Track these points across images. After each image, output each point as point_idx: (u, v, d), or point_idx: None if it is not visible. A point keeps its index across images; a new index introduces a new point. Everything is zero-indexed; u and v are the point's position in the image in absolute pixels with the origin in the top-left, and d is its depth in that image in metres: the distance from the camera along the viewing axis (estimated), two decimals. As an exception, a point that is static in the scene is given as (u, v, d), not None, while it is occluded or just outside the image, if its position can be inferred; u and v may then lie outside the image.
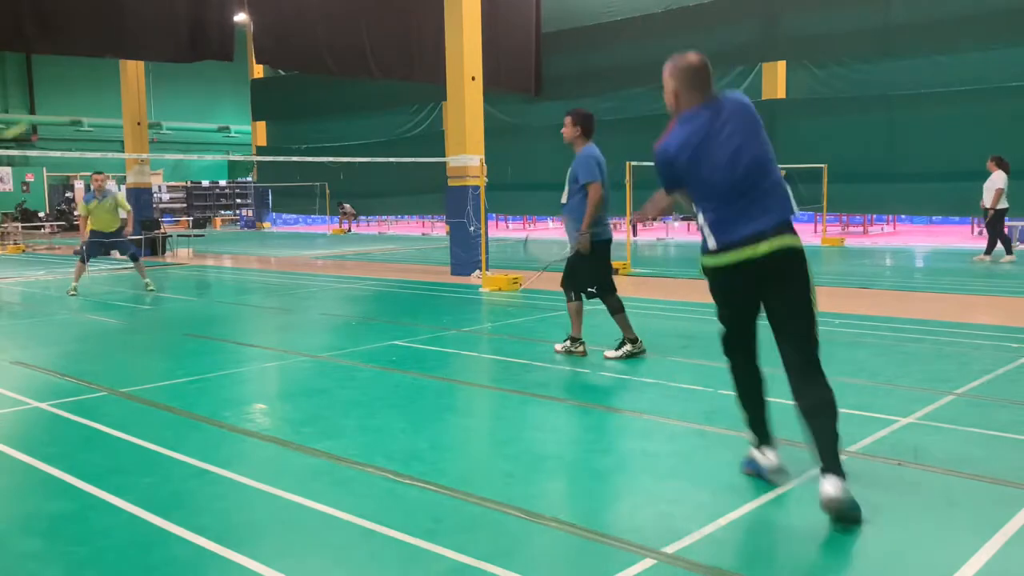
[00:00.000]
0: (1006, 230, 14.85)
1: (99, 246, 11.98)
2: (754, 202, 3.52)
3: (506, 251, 18.46)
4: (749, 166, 3.53)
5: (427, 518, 3.51)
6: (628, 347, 6.67)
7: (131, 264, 12.45)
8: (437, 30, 13.76)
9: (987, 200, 14.08)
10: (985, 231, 15.01)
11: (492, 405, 5.63)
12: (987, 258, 14.27)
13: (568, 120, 6.65)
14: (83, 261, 11.86)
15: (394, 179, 24.96)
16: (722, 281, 3.68)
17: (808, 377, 3.51)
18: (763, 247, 3.48)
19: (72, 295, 11.55)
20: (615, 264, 13.51)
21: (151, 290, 11.89)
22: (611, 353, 6.68)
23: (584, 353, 6.76)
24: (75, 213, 12.57)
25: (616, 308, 6.70)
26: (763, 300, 3.63)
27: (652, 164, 3.75)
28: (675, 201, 3.95)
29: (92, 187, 11.82)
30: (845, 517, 3.31)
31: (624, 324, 6.70)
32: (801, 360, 3.52)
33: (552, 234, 24.21)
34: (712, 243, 3.59)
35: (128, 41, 14.15)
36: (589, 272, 6.63)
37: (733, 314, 3.77)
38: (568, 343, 6.86)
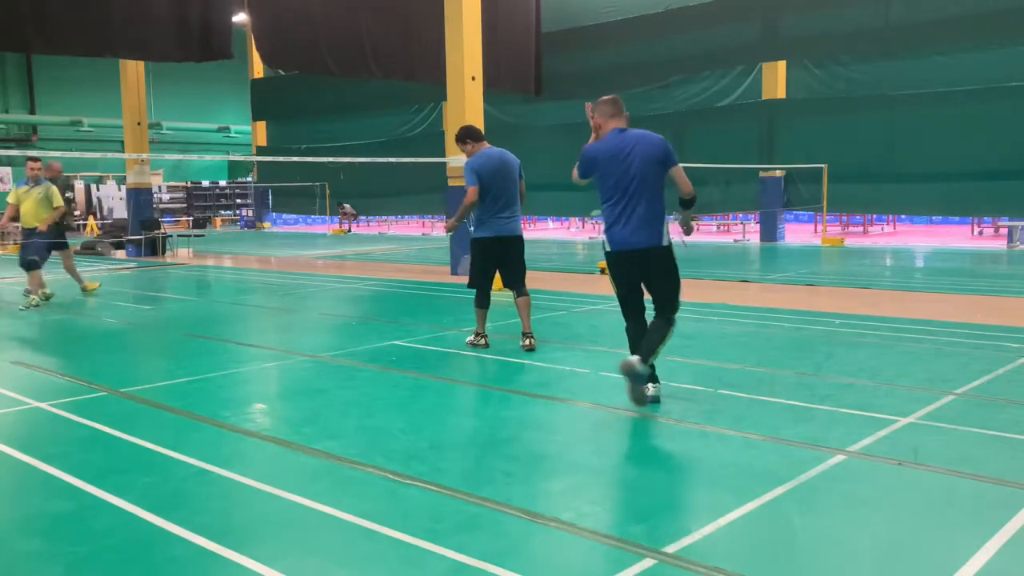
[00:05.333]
0: (1021, 229, 14.75)
1: (32, 247, 10.29)
2: None
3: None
4: None
5: (427, 518, 3.51)
6: (471, 338, 7.37)
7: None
8: (437, 30, 13.75)
9: None
10: (986, 232, 14.97)
11: (492, 405, 5.63)
12: None
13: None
14: (35, 268, 10.28)
15: (394, 179, 24.93)
16: None
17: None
18: None
19: (34, 307, 10.01)
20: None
21: (27, 307, 10.09)
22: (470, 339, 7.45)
23: (486, 345, 7.25)
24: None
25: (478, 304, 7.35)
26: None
27: None
28: None
29: (27, 173, 10.33)
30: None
31: (478, 318, 7.35)
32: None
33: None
34: None
35: (128, 41, 14.13)
36: (472, 268, 7.35)
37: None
38: (472, 336, 7.41)
